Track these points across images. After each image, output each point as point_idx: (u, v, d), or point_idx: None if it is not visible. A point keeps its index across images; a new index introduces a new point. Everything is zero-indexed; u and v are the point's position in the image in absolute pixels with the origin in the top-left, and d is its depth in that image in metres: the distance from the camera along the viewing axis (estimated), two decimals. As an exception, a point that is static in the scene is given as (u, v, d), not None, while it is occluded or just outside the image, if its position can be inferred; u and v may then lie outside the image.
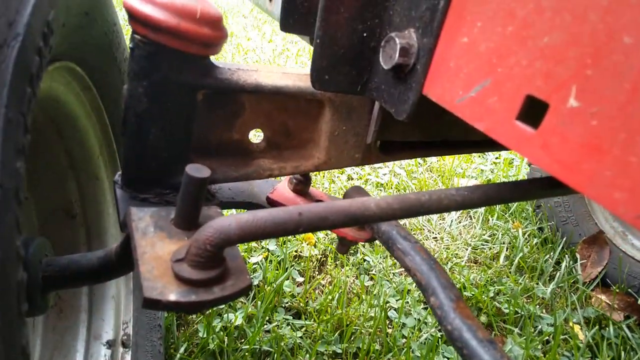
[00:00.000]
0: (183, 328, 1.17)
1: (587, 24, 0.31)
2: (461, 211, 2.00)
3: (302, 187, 0.79)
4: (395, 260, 1.16)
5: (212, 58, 0.57)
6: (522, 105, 0.36)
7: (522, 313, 1.41)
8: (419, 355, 1.16)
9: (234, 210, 1.34)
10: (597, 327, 1.39)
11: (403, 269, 0.98)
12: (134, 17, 0.47)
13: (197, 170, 0.45)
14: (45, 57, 0.38)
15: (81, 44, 0.63)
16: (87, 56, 0.69)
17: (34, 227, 0.92)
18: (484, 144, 0.80)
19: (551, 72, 0.33)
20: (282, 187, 0.80)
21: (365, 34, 0.54)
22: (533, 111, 0.36)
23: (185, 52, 0.51)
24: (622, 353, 1.30)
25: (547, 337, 1.33)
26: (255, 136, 1.62)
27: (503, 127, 0.38)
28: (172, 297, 0.39)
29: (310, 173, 0.81)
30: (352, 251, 1.60)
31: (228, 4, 5.44)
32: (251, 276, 1.36)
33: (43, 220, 0.94)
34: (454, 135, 0.74)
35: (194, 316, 1.21)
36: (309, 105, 0.64)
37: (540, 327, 1.37)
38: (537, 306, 1.46)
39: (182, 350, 1.07)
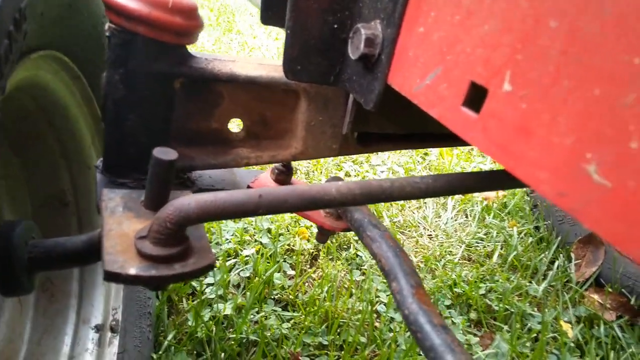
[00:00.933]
0: (173, 317, 1.20)
1: (518, 10, 0.32)
2: (457, 209, 2.00)
3: (284, 177, 0.81)
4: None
5: (191, 48, 0.59)
6: (467, 91, 0.38)
7: (513, 310, 1.41)
8: (404, 348, 1.17)
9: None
10: (587, 326, 1.39)
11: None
12: (109, 6, 0.49)
13: (164, 153, 0.47)
14: (17, 41, 0.41)
15: (67, 34, 0.65)
16: (74, 47, 0.71)
17: (28, 214, 0.95)
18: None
19: (489, 59, 0.35)
20: (264, 177, 0.82)
21: (335, 26, 0.55)
22: (476, 97, 0.37)
23: (159, 41, 0.52)
24: (612, 352, 1.29)
25: (536, 335, 1.33)
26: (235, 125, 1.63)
27: (451, 112, 0.40)
28: (132, 271, 0.40)
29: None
30: (344, 246, 1.62)
31: (236, 2, 5.47)
32: (242, 268, 1.38)
33: (37, 207, 0.97)
34: (431, 128, 0.75)
35: (184, 305, 1.23)
36: (285, 96, 0.66)
37: (529, 324, 1.37)
38: (528, 304, 1.46)
39: (170, 337, 1.10)
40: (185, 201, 0.42)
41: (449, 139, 0.81)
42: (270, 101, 0.66)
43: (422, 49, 0.44)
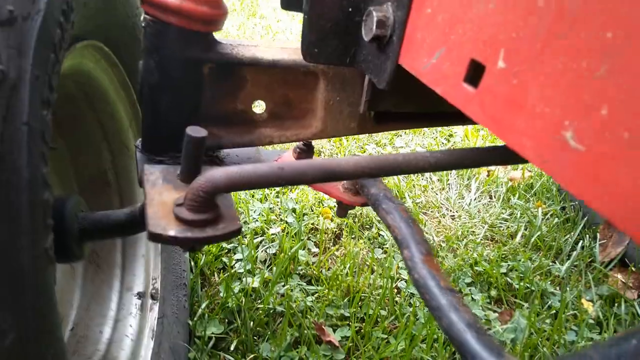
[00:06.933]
0: (206, 288, 1.29)
1: (511, -8, 0.35)
2: (481, 190, 2.00)
3: (305, 155, 0.86)
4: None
5: (217, 34, 0.64)
6: (467, 68, 0.41)
7: (533, 289, 1.43)
8: (423, 321, 1.22)
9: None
10: (608, 304, 1.39)
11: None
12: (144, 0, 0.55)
13: (195, 131, 0.52)
14: (66, 31, 0.47)
15: (105, 25, 0.71)
16: (112, 36, 0.78)
17: (74, 192, 1.04)
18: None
19: (489, 37, 0.38)
20: (287, 155, 0.87)
21: (350, 9, 0.59)
22: (475, 73, 0.40)
23: (189, 30, 0.58)
24: (630, 328, 1.29)
25: (556, 312, 1.35)
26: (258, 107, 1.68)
27: (454, 89, 0.43)
28: (172, 232, 0.47)
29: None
30: (367, 226, 1.66)
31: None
32: (268, 245, 1.46)
33: (82, 187, 1.06)
34: (444, 107, 0.78)
35: (216, 279, 1.32)
36: (305, 78, 0.70)
37: (550, 302, 1.39)
38: (550, 283, 1.47)
39: (203, 306, 1.19)
40: (215, 173, 0.47)
41: (460, 117, 0.84)
42: (292, 83, 0.71)
43: (428, 30, 0.47)
